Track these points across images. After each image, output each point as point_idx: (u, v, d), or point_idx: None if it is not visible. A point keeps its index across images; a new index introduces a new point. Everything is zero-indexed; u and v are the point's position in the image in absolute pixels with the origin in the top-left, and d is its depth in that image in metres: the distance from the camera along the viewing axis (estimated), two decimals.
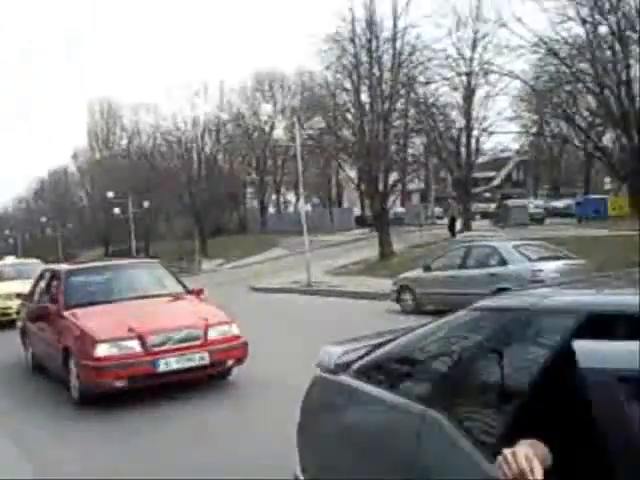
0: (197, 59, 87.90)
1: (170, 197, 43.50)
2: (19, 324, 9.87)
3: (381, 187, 22.96)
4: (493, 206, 38.26)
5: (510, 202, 31.83)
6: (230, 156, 50.80)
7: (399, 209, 44.44)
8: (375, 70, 22.45)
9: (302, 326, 11.70)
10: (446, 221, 37.74)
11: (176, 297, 7.99)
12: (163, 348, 6.56)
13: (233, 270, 33.10)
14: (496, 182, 60.66)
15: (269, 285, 22.44)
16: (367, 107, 22.94)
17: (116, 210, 41.22)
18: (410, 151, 28.14)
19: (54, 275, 8.55)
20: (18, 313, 11.56)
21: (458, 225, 30.62)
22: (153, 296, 7.88)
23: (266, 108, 22.27)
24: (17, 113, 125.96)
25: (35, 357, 8.78)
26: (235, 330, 7.14)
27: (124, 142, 55.77)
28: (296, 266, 29.34)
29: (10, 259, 22.39)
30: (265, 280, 24.28)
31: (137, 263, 10.01)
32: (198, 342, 6.76)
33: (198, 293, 8.32)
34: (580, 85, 25.11)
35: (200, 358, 6.71)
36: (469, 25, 30.08)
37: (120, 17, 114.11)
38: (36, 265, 17.27)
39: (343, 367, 2.60)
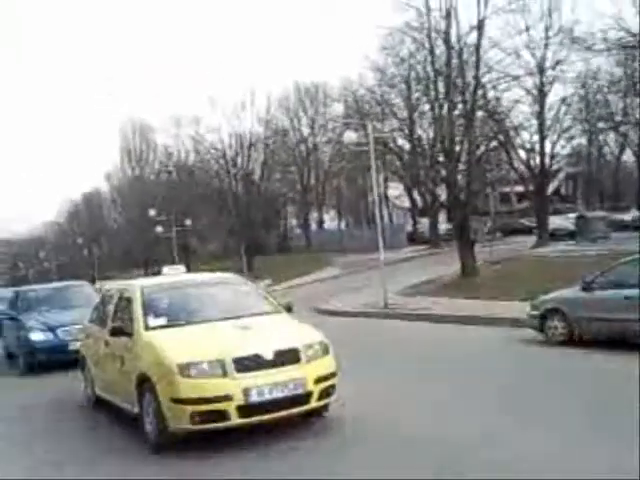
0: (236, 74, 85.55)
1: (213, 215, 41.32)
2: None
3: (462, 196, 20.30)
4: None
5: (589, 214, 28.89)
6: (271, 172, 48.69)
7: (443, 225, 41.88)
8: (455, 62, 19.95)
9: (438, 369, 9.02)
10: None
11: None
12: None
13: (286, 291, 30.59)
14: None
15: (337, 308, 19.79)
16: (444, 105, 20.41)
17: (159, 229, 39.09)
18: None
19: None
20: None
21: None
22: None
23: (337, 109, 19.03)
24: (44, 139, 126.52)
25: None
26: None
27: (161, 159, 53.87)
28: (357, 286, 26.73)
29: (177, 271, 9.21)
30: (330, 302, 21.62)
31: None
32: None
33: None
34: None
35: None
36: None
37: (150, 33, 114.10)
38: (241, 286, 7.72)
39: None
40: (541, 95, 28.39)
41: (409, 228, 46.11)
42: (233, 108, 40.99)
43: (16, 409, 8.64)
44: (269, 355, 5.72)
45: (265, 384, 5.57)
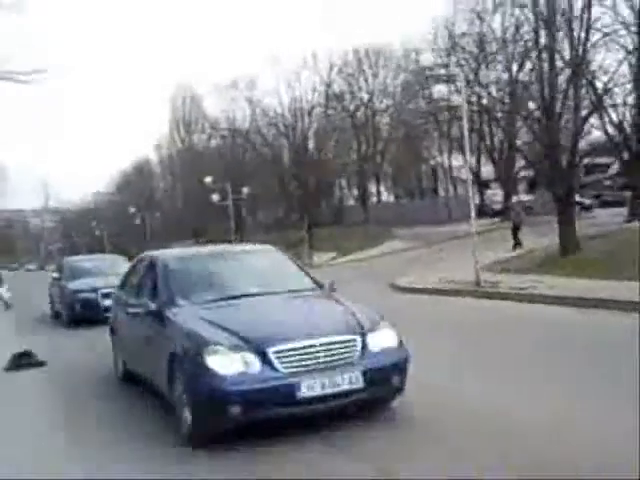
0: (293, 38, 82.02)
1: (268, 183, 39.43)
2: None
3: (565, 162, 17.71)
4: None
5: None
6: (326, 140, 46.39)
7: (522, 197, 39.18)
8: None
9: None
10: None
11: None
12: None
13: (351, 264, 28.63)
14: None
15: (416, 284, 17.68)
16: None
17: (215, 197, 37.20)
18: None
19: None
20: None
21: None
22: None
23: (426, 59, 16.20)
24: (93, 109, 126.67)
25: None
26: None
27: (213, 125, 51.89)
28: (429, 261, 24.68)
29: None
30: (407, 278, 19.48)
31: None
32: None
33: None
34: None
35: None
36: None
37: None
38: None
39: None
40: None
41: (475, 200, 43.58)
42: (294, 68, 38.74)
43: None
44: None
45: None
